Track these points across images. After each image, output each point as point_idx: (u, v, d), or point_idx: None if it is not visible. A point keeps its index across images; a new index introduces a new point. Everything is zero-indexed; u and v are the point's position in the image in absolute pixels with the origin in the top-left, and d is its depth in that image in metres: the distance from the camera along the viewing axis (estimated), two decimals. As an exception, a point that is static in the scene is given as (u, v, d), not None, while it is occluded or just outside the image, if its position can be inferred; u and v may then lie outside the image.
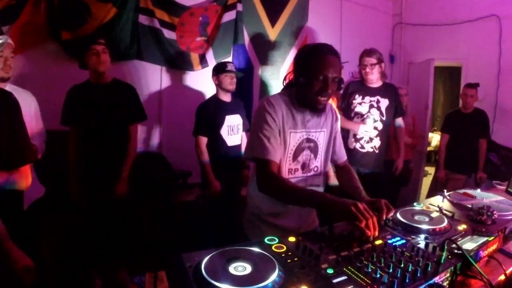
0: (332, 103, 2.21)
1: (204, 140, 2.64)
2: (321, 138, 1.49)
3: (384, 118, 2.76)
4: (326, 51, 1.33)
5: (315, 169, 1.49)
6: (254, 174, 1.51)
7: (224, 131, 2.67)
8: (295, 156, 1.43)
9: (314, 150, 1.47)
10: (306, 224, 1.51)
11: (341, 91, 2.58)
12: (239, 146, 2.80)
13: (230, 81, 2.65)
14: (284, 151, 1.39)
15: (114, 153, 2.27)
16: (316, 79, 1.30)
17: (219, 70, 2.67)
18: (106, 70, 2.22)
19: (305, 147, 1.44)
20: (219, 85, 2.67)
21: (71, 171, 2.20)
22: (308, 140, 1.45)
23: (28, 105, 1.94)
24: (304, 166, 1.46)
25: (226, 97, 2.72)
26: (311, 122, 1.43)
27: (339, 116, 2.28)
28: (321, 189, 1.52)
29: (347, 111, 2.84)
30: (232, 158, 2.76)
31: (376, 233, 1.07)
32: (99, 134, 2.22)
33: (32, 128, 1.90)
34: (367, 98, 2.77)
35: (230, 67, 2.68)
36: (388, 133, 2.89)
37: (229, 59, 3.47)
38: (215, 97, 2.73)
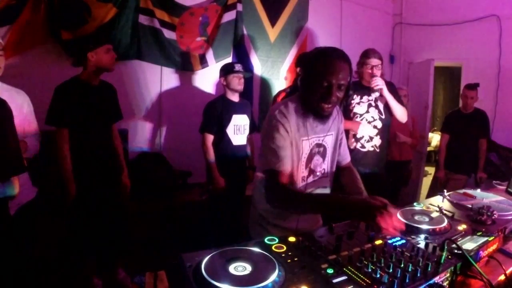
0: None
1: (210, 138, 2.68)
2: (329, 141, 1.46)
3: (383, 117, 2.76)
4: (333, 55, 1.25)
5: (322, 171, 1.47)
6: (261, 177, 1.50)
7: (230, 130, 2.70)
8: (307, 163, 1.40)
9: (323, 154, 1.45)
10: (313, 224, 1.50)
11: None
12: (244, 146, 2.83)
13: (238, 82, 2.70)
14: (297, 160, 1.35)
15: (107, 152, 2.29)
16: (320, 85, 1.24)
17: (227, 71, 2.71)
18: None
19: (315, 153, 1.42)
20: (227, 86, 2.71)
21: (65, 173, 2.11)
22: (318, 145, 1.42)
23: (20, 105, 1.87)
24: (314, 171, 1.43)
25: (234, 97, 2.76)
26: (320, 127, 1.39)
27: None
28: (328, 191, 1.50)
29: (346, 112, 2.84)
30: (238, 157, 2.79)
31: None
32: (93, 134, 2.20)
33: (24, 128, 1.87)
34: (365, 98, 2.76)
35: (238, 67, 2.72)
36: (388, 132, 2.89)
37: (229, 59, 3.48)
38: (223, 97, 2.77)
